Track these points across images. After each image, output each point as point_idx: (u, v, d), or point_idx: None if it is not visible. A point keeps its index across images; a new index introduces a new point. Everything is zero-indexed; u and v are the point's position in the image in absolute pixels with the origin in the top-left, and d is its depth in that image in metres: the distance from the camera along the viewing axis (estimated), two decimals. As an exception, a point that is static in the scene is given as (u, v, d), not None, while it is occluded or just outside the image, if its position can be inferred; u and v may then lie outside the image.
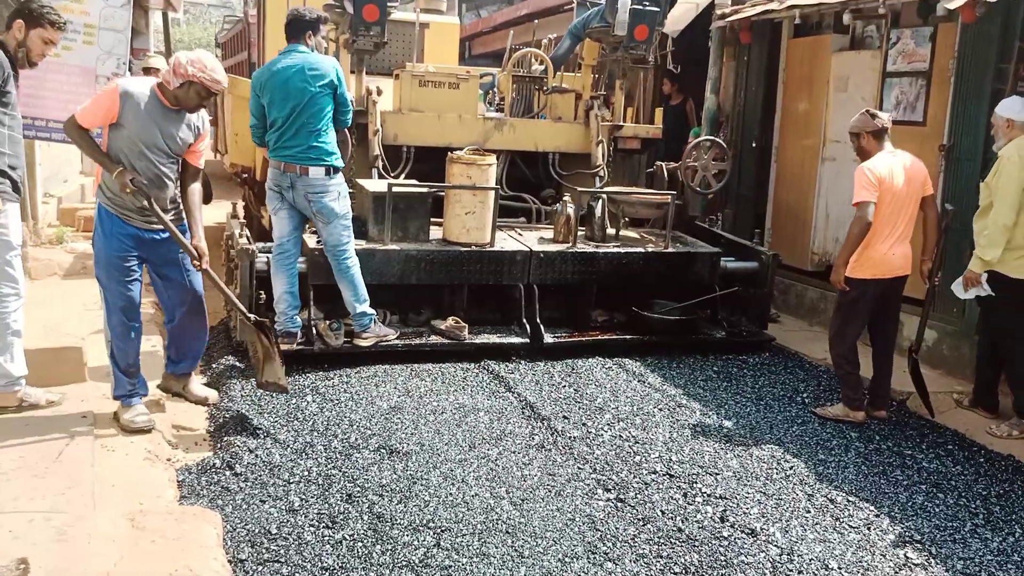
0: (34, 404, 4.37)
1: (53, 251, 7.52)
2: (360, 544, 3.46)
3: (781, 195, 8.15)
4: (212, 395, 4.97)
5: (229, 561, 3.27)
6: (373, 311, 5.64)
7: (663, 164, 7.44)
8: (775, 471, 4.39)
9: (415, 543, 3.48)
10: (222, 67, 4.33)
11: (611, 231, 6.71)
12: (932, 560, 3.63)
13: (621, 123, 7.45)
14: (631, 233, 6.95)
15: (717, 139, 7.54)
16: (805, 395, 5.59)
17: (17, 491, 3.51)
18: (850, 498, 4.14)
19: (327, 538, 3.50)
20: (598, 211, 6.57)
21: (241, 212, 6.75)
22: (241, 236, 5.81)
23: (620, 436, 4.67)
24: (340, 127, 5.56)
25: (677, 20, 8.56)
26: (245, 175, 8.66)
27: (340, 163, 5.46)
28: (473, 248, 6.05)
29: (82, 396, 4.60)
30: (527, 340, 5.99)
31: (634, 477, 4.20)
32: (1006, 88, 5.80)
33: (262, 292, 5.53)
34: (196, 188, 4.51)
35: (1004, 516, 4.07)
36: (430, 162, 6.67)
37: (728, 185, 8.49)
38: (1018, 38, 5.74)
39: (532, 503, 3.87)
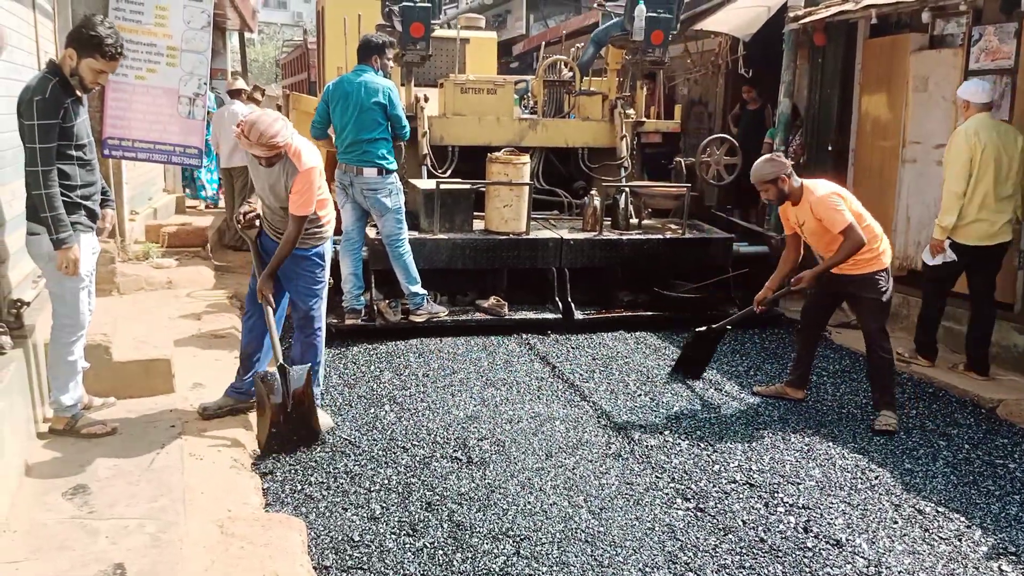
0: (90, 432, 4.24)
1: (139, 266, 7.79)
2: (441, 552, 3.49)
3: (859, 198, 7.94)
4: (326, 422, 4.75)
5: (314, 567, 3.34)
6: (425, 292, 6.46)
7: (681, 159, 8.18)
8: (859, 480, 4.29)
9: (495, 551, 3.50)
10: (270, 125, 4.25)
11: (635, 220, 7.51)
12: (1029, 573, 3.51)
13: (643, 119, 8.34)
14: (653, 222, 7.73)
15: (728, 136, 8.18)
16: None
17: (114, 497, 3.64)
18: (939, 509, 4.02)
19: (408, 545, 3.54)
20: (622, 202, 7.41)
21: None
22: None
23: (698, 445, 4.63)
24: (398, 140, 6.36)
25: (748, 24, 8.47)
26: None
27: (392, 166, 6.25)
28: (511, 236, 6.91)
29: (171, 406, 4.74)
30: (560, 316, 6.75)
31: (713, 486, 4.15)
32: (1098, 83, 5.59)
33: (331, 277, 5.70)
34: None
35: (1105, 528, 3.90)
36: (473, 160, 7.49)
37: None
38: (1109, 30, 5.52)
39: (611, 512, 3.86)
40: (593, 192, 7.51)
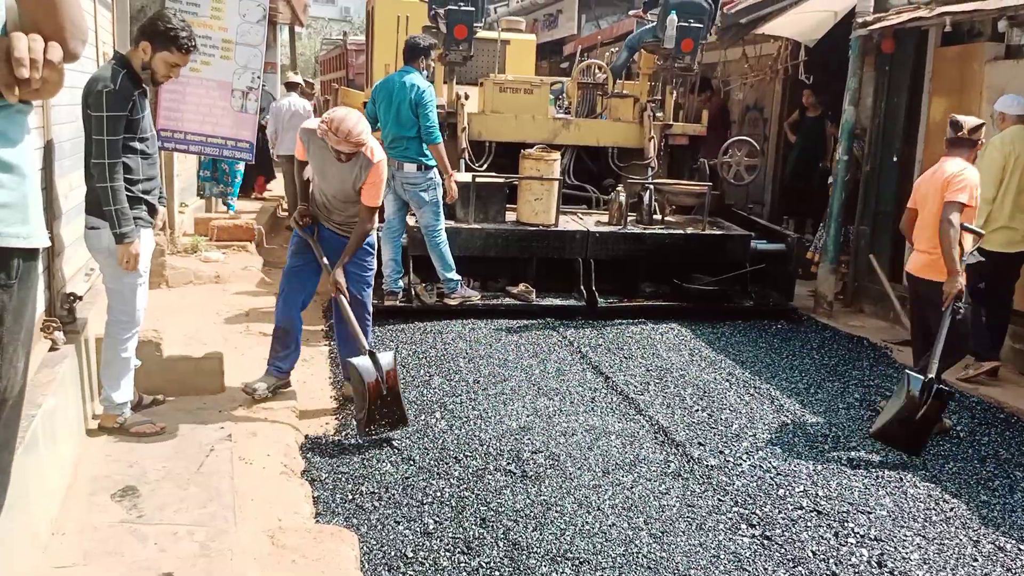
0: (139, 432, 4.17)
1: (188, 260, 7.76)
2: (497, 573, 3.36)
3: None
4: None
5: (367, 585, 3.22)
6: (459, 277, 6.91)
7: (704, 160, 8.54)
8: (933, 512, 4.08)
9: (554, 575, 3.36)
10: (356, 123, 4.43)
11: (658, 216, 7.96)
12: (1123, 622, 3.29)
13: (671, 122, 8.64)
14: (676, 218, 8.13)
15: (747, 138, 8.81)
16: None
17: (163, 501, 3.55)
18: (1021, 546, 3.80)
19: (463, 565, 3.41)
20: (646, 199, 7.87)
21: None
22: None
23: (760, 467, 4.45)
24: (427, 143, 6.58)
25: (813, 29, 8.23)
26: None
27: (431, 162, 6.62)
28: (540, 228, 7.37)
29: (220, 407, 4.66)
30: (584, 304, 7.13)
31: (779, 512, 3.96)
32: None
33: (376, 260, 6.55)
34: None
35: None
36: (509, 156, 7.93)
37: (866, 201, 8.16)
38: None
39: (673, 536, 3.69)
40: (619, 188, 7.89)
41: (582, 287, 7.25)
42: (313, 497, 3.91)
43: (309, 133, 4.69)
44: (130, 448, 4.05)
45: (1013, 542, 3.83)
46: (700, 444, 4.69)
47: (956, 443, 4.96)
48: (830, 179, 8.76)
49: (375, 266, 5.09)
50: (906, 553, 3.68)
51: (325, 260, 4.81)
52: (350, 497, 3.91)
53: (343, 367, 5.11)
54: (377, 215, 5.03)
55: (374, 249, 5.06)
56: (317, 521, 3.70)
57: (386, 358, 4.58)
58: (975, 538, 3.86)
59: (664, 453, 4.56)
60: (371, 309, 5.07)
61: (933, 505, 4.15)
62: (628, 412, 5.12)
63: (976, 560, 3.67)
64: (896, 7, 7.56)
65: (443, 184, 6.77)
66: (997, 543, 3.82)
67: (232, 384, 4.91)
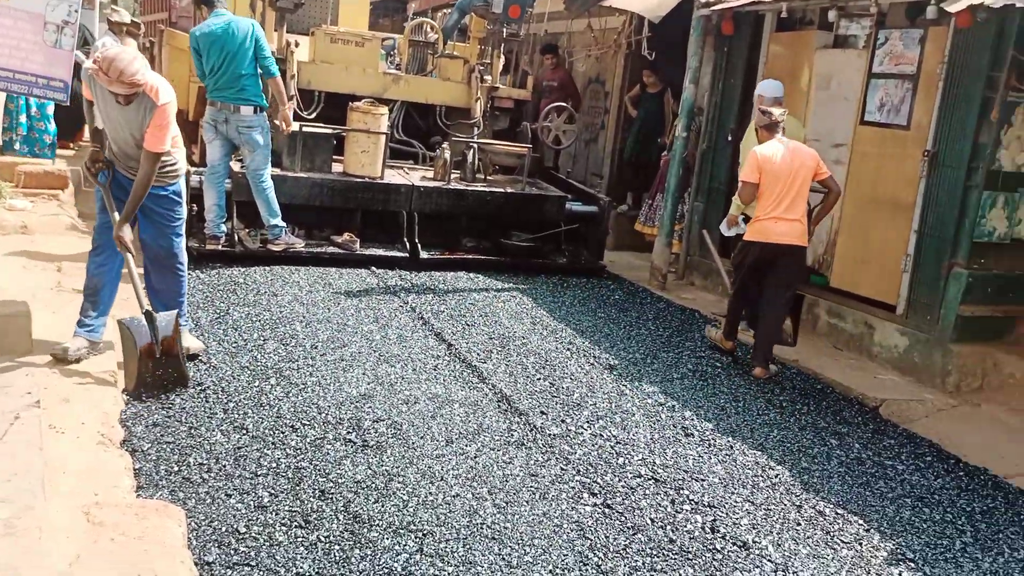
0: None
1: (-9, 207, 7.04)
2: (337, 547, 3.22)
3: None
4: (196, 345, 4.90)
5: (196, 563, 3.00)
6: (284, 224, 6.99)
7: (527, 123, 9.01)
8: (761, 478, 4.26)
9: (396, 547, 3.26)
10: (130, 62, 4.21)
11: (481, 175, 8.26)
12: (927, 580, 3.54)
13: (497, 85, 8.91)
14: (498, 177, 8.48)
15: (566, 105, 9.20)
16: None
17: (-43, 477, 3.18)
18: (839, 511, 4.03)
19: (301, 539, 3.25)
20: (470, 157, 8.14)
21: None
22: None
23: (601, 436, 4.50)
24: (267, 77, 6.70)
25: (659, 6, 8.36)
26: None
27: (265, 104, 6.71)
28: (366, 180, 7.54)
29: (27, 370, 4.24)
30: (407, 255, 7.44)
31: (619, 480, 4.02)
32: (996, 96, 5.74)
33: (194, 205, 6.71)
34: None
35: (991, 535, 4.01)
36: (338, 107, 8.03)
37: (700, 178, 8.43)
38: (1011, 47, 5.67)
39: (517, 506, 3.67)
40: (445, 145, 8.13)
41: (405, 239, 7.53)
42: (134, 469, 3.62)
43: (90, 74, 4.36)
44: (-82, 416, 3.61)
45: (831, 507, 4.06)
46: (543, 413, 4.70)
47: (780, 412, 5.21)
48: (664, 154, 9.04)
49: (184, 215, 4.89)
50: (736, 519, 3.82)
51: (116, 214, 4.52)
52: (176, 469, 3.65)
53: None
54: (186, 164, 4.92)
55: (181, 198, 4.83)
56: (139, 496, 3.42)
57: (165, 320, 4.38)
58: (798, 503, 4.06)
59: (507, 422, 4.53)
60: (184, 260, 4.88)
61: (760, 472, 4.34)
62: (471, 380, 5.06)
63: (799, 524, 3.86)
64: (737, -10, 7.79)
65: (279, 114, 6.87)
66: (817, 508, 4.04)
67: (42, 344, 4.47)
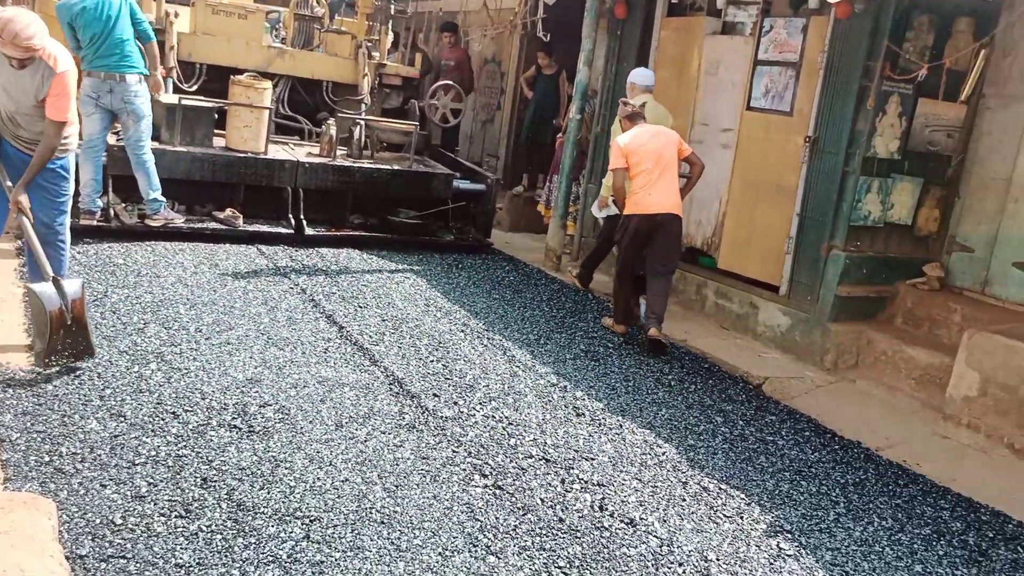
0: None
1: None
2: (219, 536, 3.13)
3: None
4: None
5: (67, 557, 2.87)
6: (164, 199, 6.84)
7: (415, 101, 8.99)
8: (649, 456, 4.35)
9: (282, 535, 3.19)
10: (27, 25, 4.09)
11: (368, 152, 8.26)
12: (802, 551, 3.68)
13: (385, 62, 9.02)
14: (385, 155, 8.47)
15: (453, 84, 9.28)
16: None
17: None
18: (722, 486, 4.15)
19: (181, 529, 3.14)
20: (356, 134, 8.14)
21: None
22: None
23: (493, 417, 4.51)
24: (144, 42, 6.61)
25: (554, -13, 8.39)
26: None
27: (147, 72, 6.59)
28: (249, 155, 7.40)
29: None
30: (292, 231, 7.38)
31: (510, 461, 4.04)
32: (872, 85, 5.98)
33: None
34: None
35: (862, 505, 4.20)
36: (221, 80, 7.87)
37: (594, 160, 8.51)
38: (886, 37, 5.91)
39: (407, 489, 3.64)
40: (331, 122, 8.04)
41: (291, 215, 7.48)
42: (1, 461, 3.43)
43: None
44: None
45: (715, 482, 4.18)
46: (435, 395, 4.68)
47: (668, 391, 5.34)
48: (559, 136, 9.10)
49: (71, 192, 4.78)
50: (624, 496, 3.89)
51: (8, 183, 4.40)
52: (47, 459, 3.47)
53: None
54: (77, 134, 4.78)
55: (69, 174, 4.70)
56: (6, 488, 3.24)
57: (72, 286, 4.30)
58: (683, 480, 4.16)
59: (399, 405, 4.49)
60: (67, 238, 4.78)
61: (648, 450, 4.43)
62: (363, 363, 4.99)
63: (684, 500, 3.96)
64: (630, -26, 7.88)
65: (151, 80, 6.72)
66: (702, 483, 4.15)
67: None
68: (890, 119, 6.11)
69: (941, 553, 3.84)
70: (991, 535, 4.08)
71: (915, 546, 3.87)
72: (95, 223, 6.62)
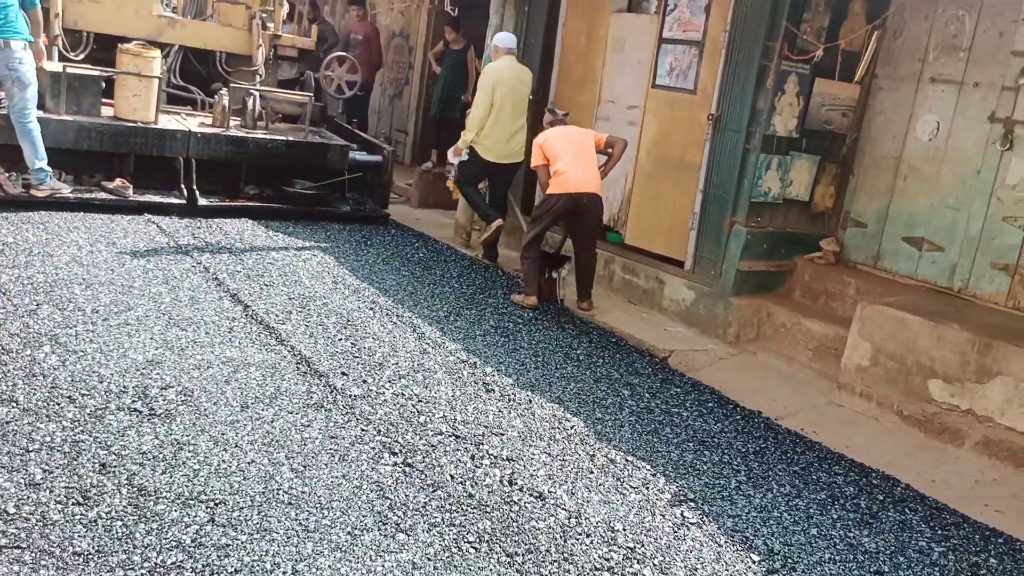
0: None
1: None
2: (120, 523, 3.04)
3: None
4: None
5: (-44, 550, 2.75)
6: (49, 168, 6.72)
7: (311, 72, 9.13)
8: (558, 431, 4.41)
9: (185, 519, 3.12)
10: None
11: (263, 123, 8.25)
12: (705, 518, 3.80)
13: (280, 34, 9.00)
14: (281, 125, 8.51)
15: (348, 55, 9.46)
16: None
17: None
18: (628, 458, 4.24)
19: (79, 517, 3.05)
20: (250, 104, 8.13)
21: None
22: None
23: (402, 395, 4.50)
24: (27, 8, 6.45)
25: (460, -39, 8.33)
26: None
27: (31, 38, 6.48)
28: (139, 124, 7.33)
29: None
30: (184, 202, 7.35)
31: (420, 439, 4.04)
32: (771, 65, 6.14)
33: None
34: None
35: (762, 473, 4.36)
36: (110, 50, 7.72)
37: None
38: (785, 18, 6.06)
39: (315, 470, 3.61)
40: (223, 91, 8.03)
41: (183, 186, 7.45)
42: None
43: None
44: None
45: (622, 454, 4.27)
46: (343, 374, 4.63)
47: (577, 365, 5.41)
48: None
49: None
50: (533, 470, 3.94)
51: None
52: (-68, 449, 3.32)
53: None
54: None
55: None
56: None
57: None
58: (591, 452, 4.24)
59: (307, 384, 4.44)
60: None
61: (557, 424, 4.49)
62: (269, 342, 4.91)
63: (592, 472, 4.04)
64: (537, -50, 7.87)
65: (33, 44, 6.56)
66: (609, 456, 4.23)
67: None
68: (788, 98, 6.29)
69: (835, 516, 4.02)
70: (881, 498, 4.28)
71: (811, 510, 4.04)
72: None
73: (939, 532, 4.01)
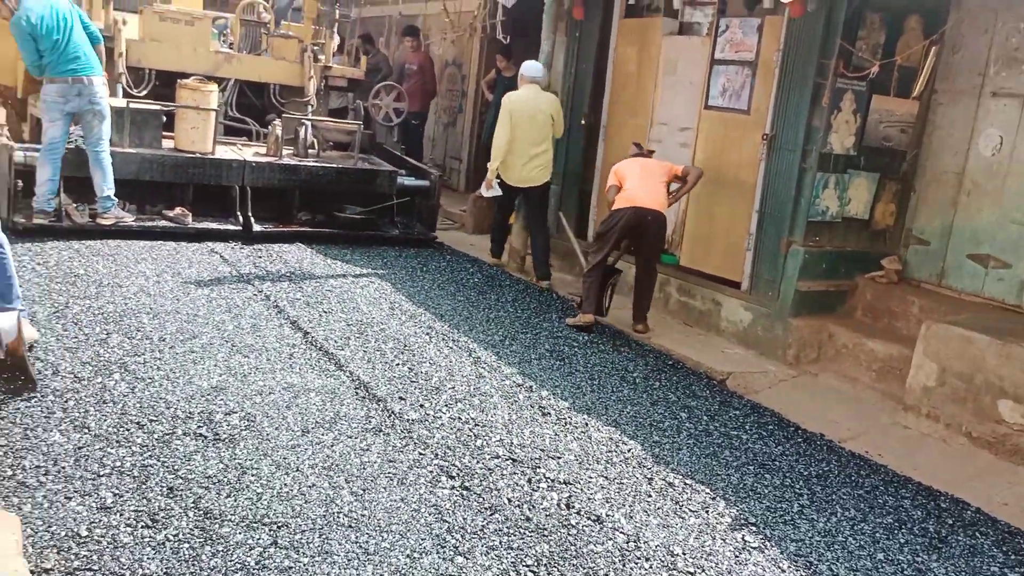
0: None
1: None
2: (186, 545, 3.12)
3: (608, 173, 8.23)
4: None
5: (32, 572, 2.84)
6: (116, 198, 7.05)
7: (361, 102, 9.49)
8: (615, 454, 4.40)
9: (249, 542, 3.18)
10: None
11: (315, 151, 8.48)
12: (767, 543, 3.75)
13: (331, 65, 9.47)
14: (332, 153, 8.77)
15: (395, 84, 9.83)
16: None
17: None
18: (687, 481, 4.21)
19: (148, 539, 3.13)
20: (302, 133, 8.39)
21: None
22: (1, 135, 7.20)
23: (459, 419, 4.53)
24: (95, 43, 6.83)
25: (512, -10, 8.45)
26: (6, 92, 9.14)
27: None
28: (197, 155, 7.67)
29: None
30: (240, 228, 7.60)
31: (477, 462, 4.06)
32: (826, 83, 6.09)
33: (20, 181, 6.91)
34: None
35: (825, 497, 4.28)
36: (170, 85, 8.09)
37: (555, 160, 8.55)
38: (839, 36, 6.02)
39: (374, 493, 3.65)
40: (277, 122, 8.35)
41: (238, 212, 7.67)
42: (-39, 476, 3.40)
43: None
44: None
45: (680, 478, 4.23)
46: (401, 398, 4.69)
47: (633, 388, 5.39)
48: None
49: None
50: (591, 494, 3.93)
51: None
52: (9, 474, 3.44)
53: None
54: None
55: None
56: (-33, 503, 3.21)
57: (7, 322, 4.09)
58: (649, 476, 4.21)
59: (365, 409, 4.50)
60: (3, 241, 4.57)
61: (614, 447, 4.47)
62: (328, 368, 4.99)
63: (650, 496, 4.01)
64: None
65: None
66: (667, 479, 4.20)
67: None
68: (845, 116, 6.23)
69: (902, 541, 3.93)
70: (950, 522, 4.17)
71: (877, 535, 3.95)
72: (47, 223, 6.79)
73: (1012, 557, 3.89)
